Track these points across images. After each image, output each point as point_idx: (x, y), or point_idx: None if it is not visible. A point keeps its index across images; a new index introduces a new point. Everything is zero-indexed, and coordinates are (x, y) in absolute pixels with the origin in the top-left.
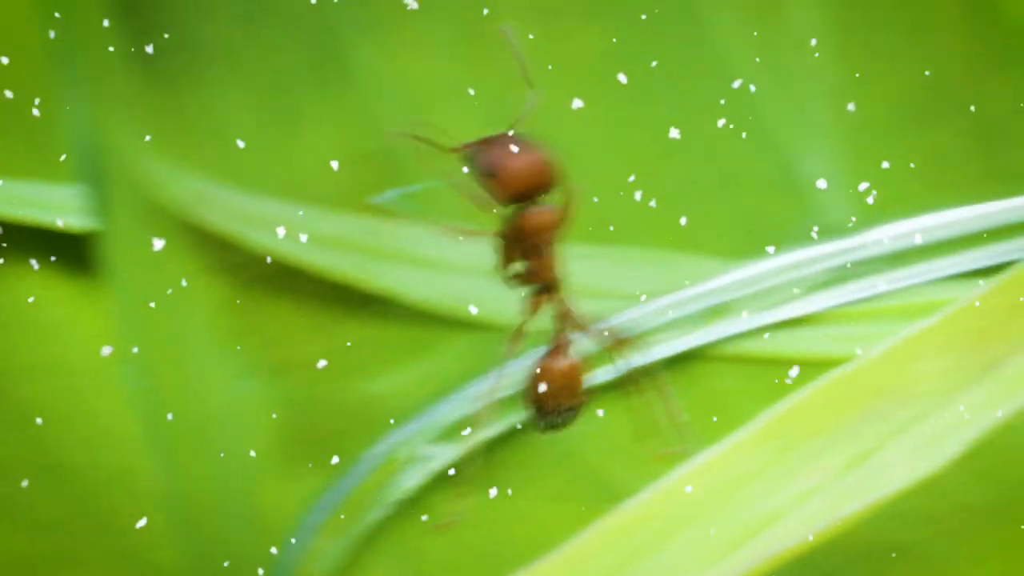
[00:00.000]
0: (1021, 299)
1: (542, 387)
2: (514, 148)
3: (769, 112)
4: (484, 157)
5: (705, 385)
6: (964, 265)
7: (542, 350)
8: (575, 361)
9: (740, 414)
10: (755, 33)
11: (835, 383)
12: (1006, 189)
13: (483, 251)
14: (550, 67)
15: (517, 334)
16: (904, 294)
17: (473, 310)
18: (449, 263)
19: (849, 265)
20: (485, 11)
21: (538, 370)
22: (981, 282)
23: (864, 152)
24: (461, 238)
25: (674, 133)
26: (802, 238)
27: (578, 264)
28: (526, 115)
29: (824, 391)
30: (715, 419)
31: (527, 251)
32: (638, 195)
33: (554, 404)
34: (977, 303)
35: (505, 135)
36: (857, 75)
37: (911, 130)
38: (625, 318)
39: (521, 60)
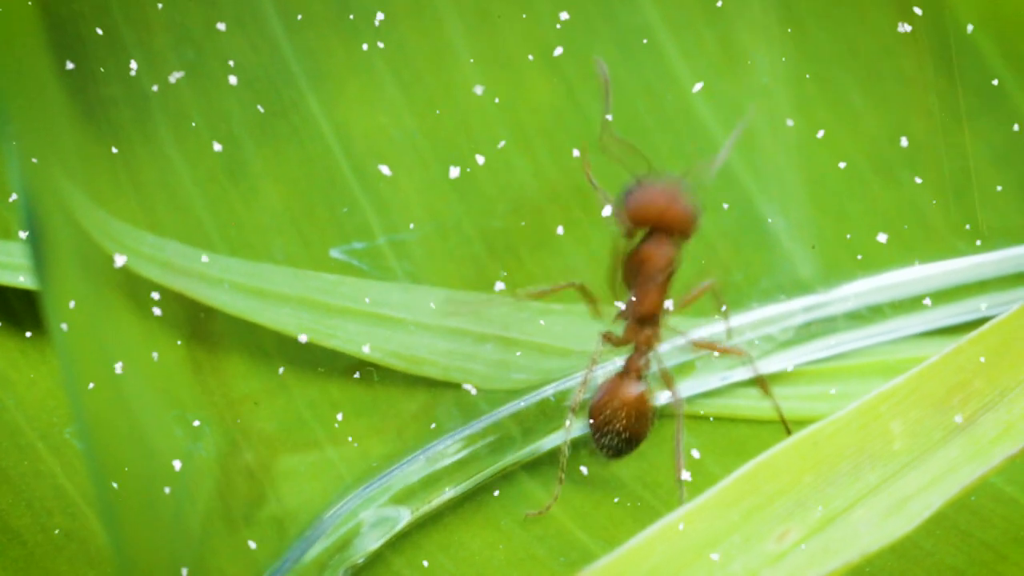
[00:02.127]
0: (991, 357)
1: (603, 404)
2: (664, 184)
3: (737, 171)
4: (637, 181)
5: (670, 445)
6: (934, 323)
7: (614, 374)
8: (645, 390)
9: (707, 474)
10: (726, 94)
11: (804, 443)
12: (975, 246)
13: (434, 309)
14: (504, 123)
15: (596, 357)
16: (873, 352)
17: (430, 368)
18: (403, 321)
19: (816, 323)
20: (440, 57)
21: (607, 388)
22: (951, 340)
23: (831, 209)
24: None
25: None
26: (769, 295)
27: (541, 322)
28: (703, 168)
29: (792, 451)
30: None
31: (639, 278)
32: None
33: (613, 424)
34: (947, 361)
35: (665, 175)
36: (823, 133)
37: (879, 187)
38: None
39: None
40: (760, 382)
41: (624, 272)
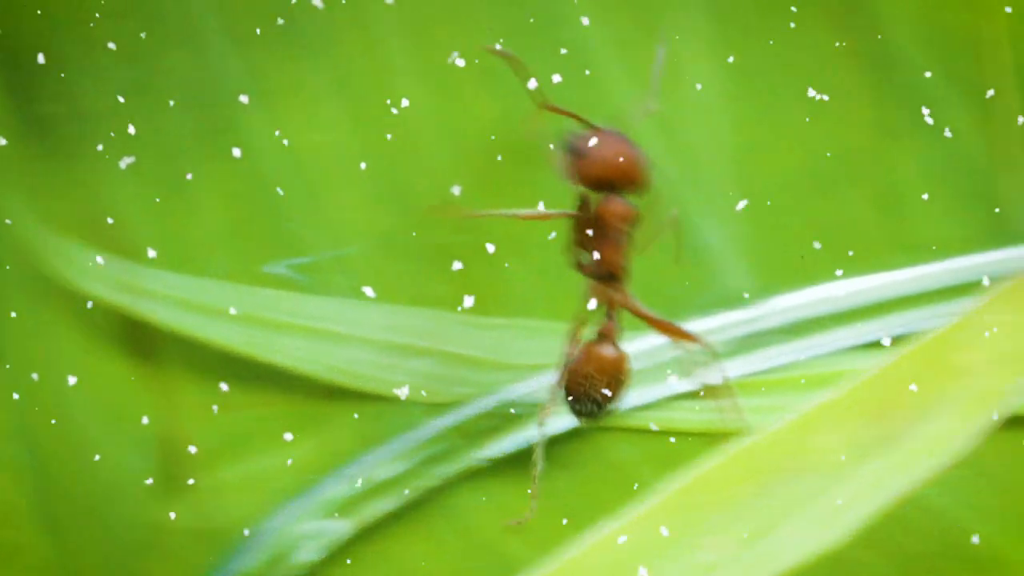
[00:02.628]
0: (924, 371)
1: (579, 370)
2: (614, 138)
3: (674, 184)
4: (581, 140)
5: (606, 457)
6: (866, 335)
7: (587, 341)
8: (621, 353)
9: (641, 486)
10: (663, 108)
11: (736, 456)
12: (909, 259)
13: (375, 323)
14: (444, 138)
15: (578, 323)
16: (807, 365)
17: (370, 381)
18: (344, 335)
19: (752, 336)
20: (383, 75)
21: (583, 353)
22: (884, 353)
23: (767, 223)
24: (537, 217)
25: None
26: (705, 309)
27: (484, 336)
28: (636, 117)
29: (725, 464)
30: (615, 492)
31: (601, 238)
32: (549, 268)
33: (589, 389)
34: (878, 374)
35: (610, 128)
36: (759, 147)
37: (814, 200)
38: (528, 389)
39: (657, 74)
40: (707, 389)
41: (584, 232)
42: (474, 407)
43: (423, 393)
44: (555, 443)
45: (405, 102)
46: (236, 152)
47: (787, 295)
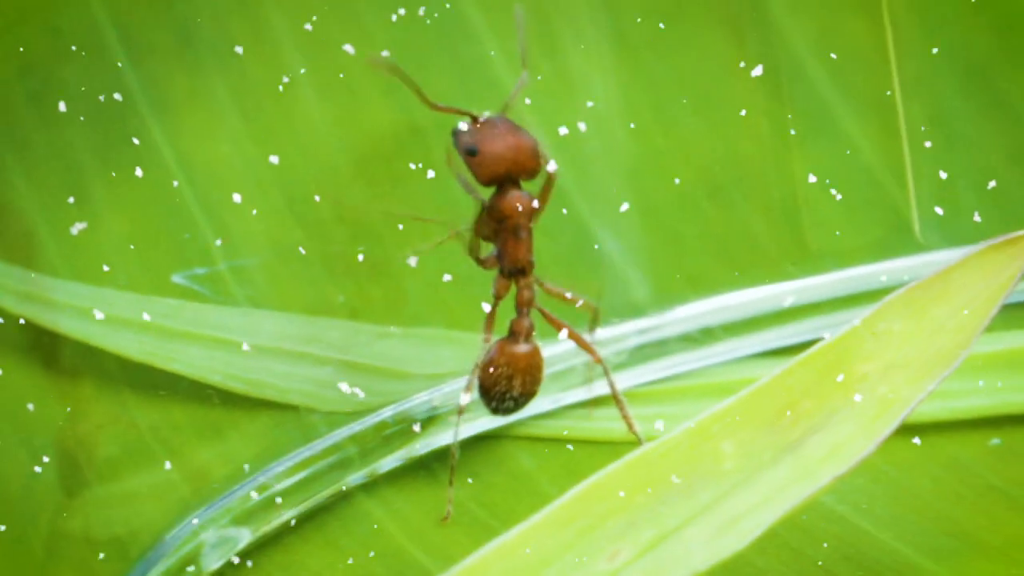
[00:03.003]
0: (820, 379)
1: (495, 369)
2: (500, 130)
3: (571, 195)
4: (468, 137)
5: (506, 466)
6: (764, 344)
7: (499, 339)
8: (535, 347)
9: (540, 494)
10: (555, 115)
11: (636, 463)
12: (807, 268)
13: (274, 333)
14: (344, 150)
15: (489, 321)
16: (705, 374)
17: (270, 391)
18: (239, 344)
19: (650, 345)
20: (281, 87)
21: (495, 352)
22: (782, 361)
23: (665, 233)
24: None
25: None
26: (603, 319)
27: (379, 345)
28: (515, 96)
29: (624, 471)
30: (515, 499)
31: (502, 233)
32: (447, 277)
33: (506, 388)
34: (777, 383)
35: (494, 117)
36: (656, 157)
37: (711, 210)
38: (426, 398)
39: (523, 39)
40: (602, 399)
41: (485, 228)
42: (373, 416)
43: (322, 402)
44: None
45: (303, 113)
46: (137, 165)
47: (686, 305)
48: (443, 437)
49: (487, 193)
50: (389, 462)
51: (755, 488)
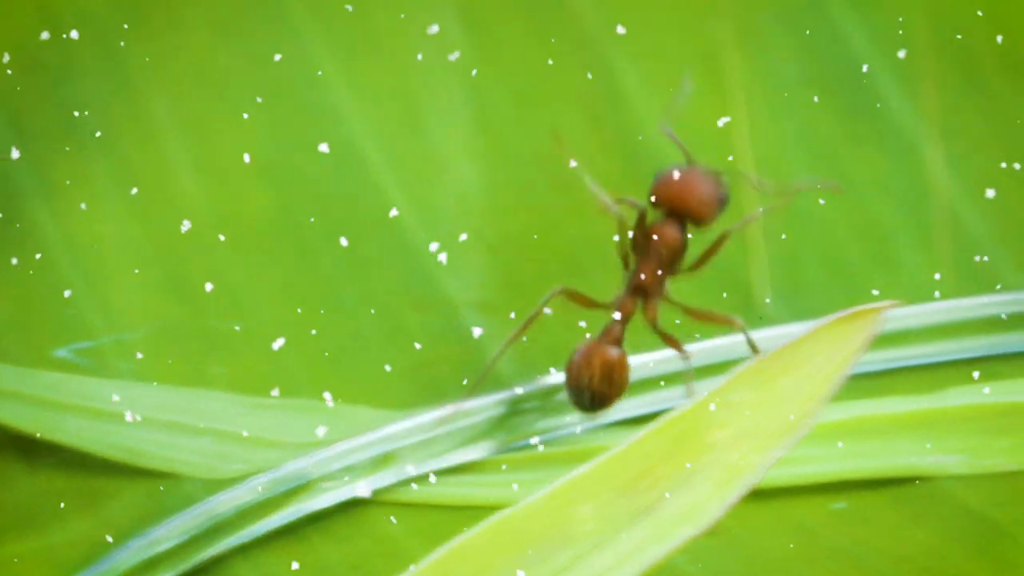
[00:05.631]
0: (673, 444)
1: (584, 365)
2: (695, 171)
3: (438, 278)
4: (680, 167)
5: (374, 530)
6: (623, 413)
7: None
8: (623, 354)
9: (406, 557)
10: (426, 202)
11: (498, 527)
12: (660, 341)
13: (154, 404)
14: (222, 228)
15: (619, 325)
16: (566, 441)
17: (150, 459)
18: (120, 415)
19: (510, 414)
20: (162, 168)
21: (587, 350)
22: (638, 429)
23: (528, 311)
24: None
25: (349, 299)
26: (467, 389)
27: (255, 415)
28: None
29: (484, 535)
30: (383, 563)
31: (643, 254)
32: (326, 354)
33: (587, 384)
34: (633, 449)
35: (701, 165)
36: (515, 239)
37: (559, 275)
38: (300, 466)
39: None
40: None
41: (632, 243)
42: (249, 483)
43: (199, 470)
44: (324, 517)
45: (183, 192)
46: (22, 244)
47: (547, 377)
48: (315, 503)
49: (627, 211)
50: (263, 526)
51: (612, 549)
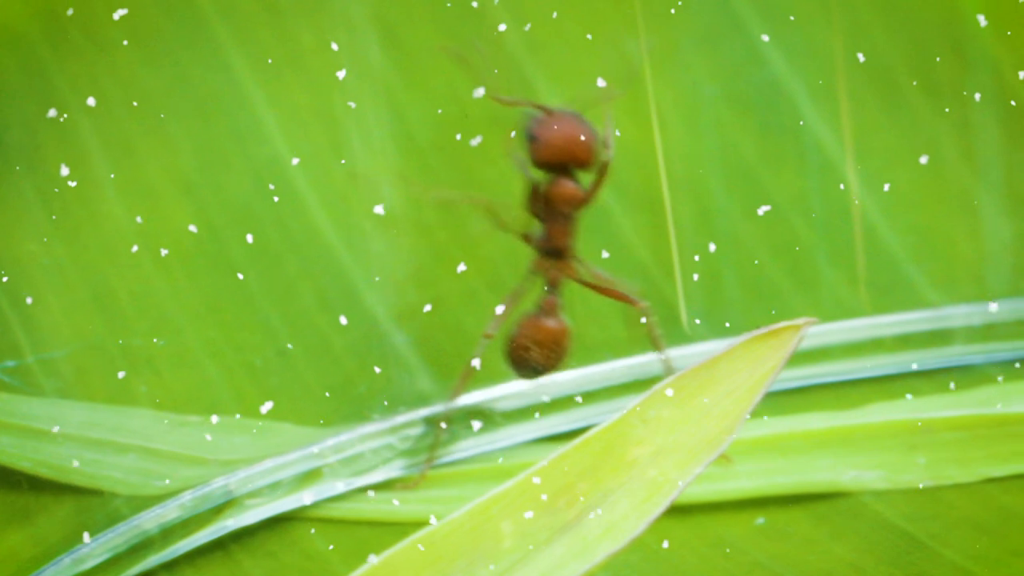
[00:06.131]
0: (594, 462)
1: (523, 341)
2: (564, 121)
3: (359, 290)
4: (533, 123)
5: (301, 547)
6: (544, 431)
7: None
8: (563, 325)
9: (334, 573)
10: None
11: (421, 542)
12: (582, 358)
13: (80, 422)
14: (147, 247)
15: (516, 294)
16: (488, 458)
17: (76, 476)
18: (52, 433)
19: (436, 431)
20: (86, 188)
21: (524, 324)
22: (560, 446)
23: (450, 325)
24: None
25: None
26: (390, 409)
27: (179, 432)
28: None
29: (407, 552)
30: None
31: (547, 217)
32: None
33: (531, 358)
34: (554, 466)
35: (564, 110)
36: (443, 252)
37: (492, 303)
38: (223, 483)
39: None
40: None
41: (532, 208)
42: (174, 500)
43: (125, 487)
44: (250, 533)
45: (107, 212)
46: None
47: (470, 393)
48: (241, 519)
49: (540, 175)
50: (190, 543)
51: (533, 566)
